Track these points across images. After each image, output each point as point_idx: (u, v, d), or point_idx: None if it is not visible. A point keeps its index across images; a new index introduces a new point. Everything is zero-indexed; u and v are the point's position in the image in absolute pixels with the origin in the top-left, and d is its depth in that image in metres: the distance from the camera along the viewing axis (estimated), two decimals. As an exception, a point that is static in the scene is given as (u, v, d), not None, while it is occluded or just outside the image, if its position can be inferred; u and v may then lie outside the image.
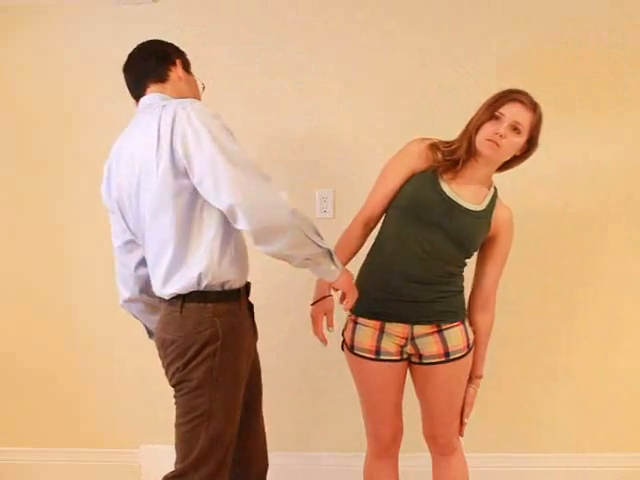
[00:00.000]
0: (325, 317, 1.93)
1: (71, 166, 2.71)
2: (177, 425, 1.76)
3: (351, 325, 1.99)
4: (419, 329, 1.91)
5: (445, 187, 1.90)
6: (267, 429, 2.03)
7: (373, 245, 2.02)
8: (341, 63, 2.59)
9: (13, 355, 2.78)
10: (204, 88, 1.99)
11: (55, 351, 2.76)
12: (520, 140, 1.86)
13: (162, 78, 1.85)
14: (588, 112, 2.55)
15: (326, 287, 1.91)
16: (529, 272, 2.60)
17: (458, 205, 1.90)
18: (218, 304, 1.73)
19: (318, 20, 2.60)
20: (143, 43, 1.91)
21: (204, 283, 1.70)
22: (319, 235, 1.71)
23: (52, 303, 2.75)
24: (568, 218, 2.59)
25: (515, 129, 1.83)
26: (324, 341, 1.94)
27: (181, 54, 1.92)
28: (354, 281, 1.85)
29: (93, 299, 2.73)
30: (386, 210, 1.99)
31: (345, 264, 1.93)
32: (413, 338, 1.91)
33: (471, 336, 1.97)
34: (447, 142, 1.93)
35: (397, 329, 1.91)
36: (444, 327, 1.91)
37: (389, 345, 1.92)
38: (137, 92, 1.87)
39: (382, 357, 1.93)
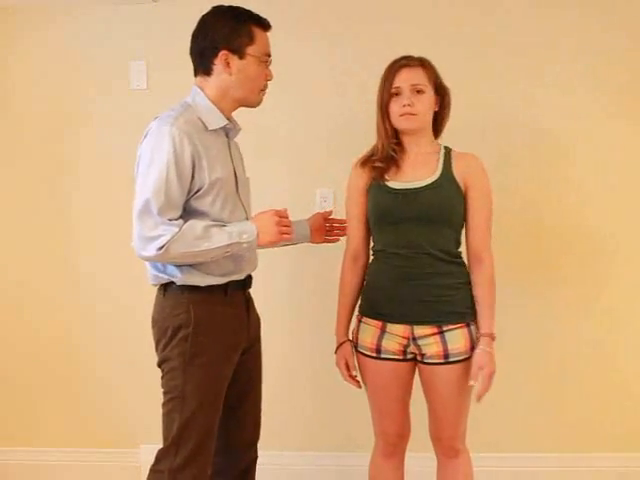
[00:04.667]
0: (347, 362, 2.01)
1: (70, 164, 2.71)
2: (162, 407, 1.80)
3: (357, 324, 2.02)
4: (420, 330, 1.91)
5: (392, 183, 1.94)
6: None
7: (373, 253, 2.06)
8: (346, 63, 2.60)
9: (13, 355, 2.77)
10: (270, 79, 1.90)
11: (55, 351, 2.76)
12: (428, 96, 1.92)
13: (207, 72, 1.84)
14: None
15: (342, 333, 2.03)
16: (532, 272, 2.61)
17: (412, 190, 1.92)
18: (196, 292, 1.78)
19: (325, 17, 2.61)
20: (197, 28, 1.83)
21: (175, 285, 1.79)
22: (210, 238, 1.71)
23: (53, 303, 2.75)
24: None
25: (417, 91, 1.90)
26: (356, 385, 2.02)
27: (231, 38, 1.78)
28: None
29: (94, 299, 2.73)
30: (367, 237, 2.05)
31: (349, 305, 2.04)
32: (415, 339, 1.91)
33: (476, 340, 1.92)
34: (371, 148, 2.00)
35: (398, 330, 1.92)
36: (445, 328, 1.90)
37: (390, 345, 1.93)
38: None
39: (383, 356, 1.94)
